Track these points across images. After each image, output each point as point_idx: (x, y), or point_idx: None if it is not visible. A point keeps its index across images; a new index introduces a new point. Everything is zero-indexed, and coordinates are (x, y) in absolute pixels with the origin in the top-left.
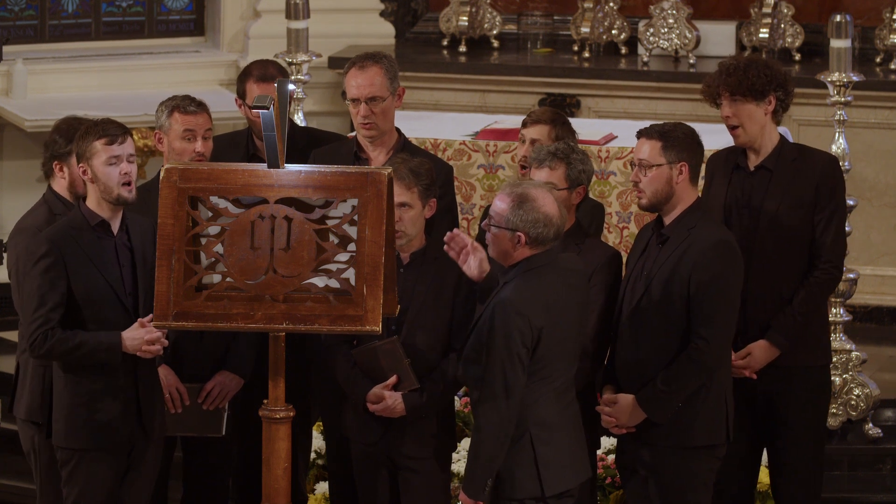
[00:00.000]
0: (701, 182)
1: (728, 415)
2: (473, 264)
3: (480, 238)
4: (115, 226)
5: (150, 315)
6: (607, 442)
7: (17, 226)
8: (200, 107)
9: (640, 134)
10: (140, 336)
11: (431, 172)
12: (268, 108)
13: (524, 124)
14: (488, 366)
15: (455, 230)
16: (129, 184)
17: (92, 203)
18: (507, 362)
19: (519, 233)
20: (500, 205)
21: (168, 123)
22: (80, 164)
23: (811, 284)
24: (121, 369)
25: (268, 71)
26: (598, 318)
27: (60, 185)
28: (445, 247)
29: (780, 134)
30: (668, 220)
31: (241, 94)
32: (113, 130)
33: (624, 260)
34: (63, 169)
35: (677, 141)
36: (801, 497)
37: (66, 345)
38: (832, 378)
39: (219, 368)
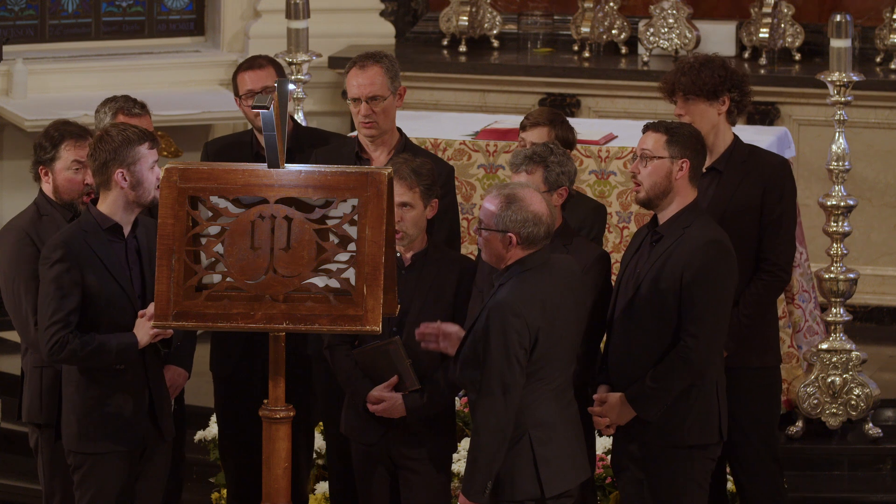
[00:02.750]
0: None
1: (721, 414)
2: (451, 343)
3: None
4: (128, 229)
5: (151, 304)
6: (607, 442)
7: (6, 225)
8: (143, 108)
9: (647, 127)
10: (146, 326)
11: (433, 173)
12: (268, 108)
13: (523, 127)
14: (486, 368)
15: (420, 328)
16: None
17: (105, 207)
18: (505, 364)
19: (510, 233)
20: (489, 207)
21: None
22: (119, 170)
23: (757, 287)
24: (130, 370)
25: (256, 60)
26: (587, 318)
27: (46, 188)
28: (423, 344)
29: (735, 135)
30: (662, 219)
31: (236, 91)
32: (150, 135)
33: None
34: (48, 174)
35: (682, 137)
36: (762, 497)
37: (87, 348)
38: (832, 378)
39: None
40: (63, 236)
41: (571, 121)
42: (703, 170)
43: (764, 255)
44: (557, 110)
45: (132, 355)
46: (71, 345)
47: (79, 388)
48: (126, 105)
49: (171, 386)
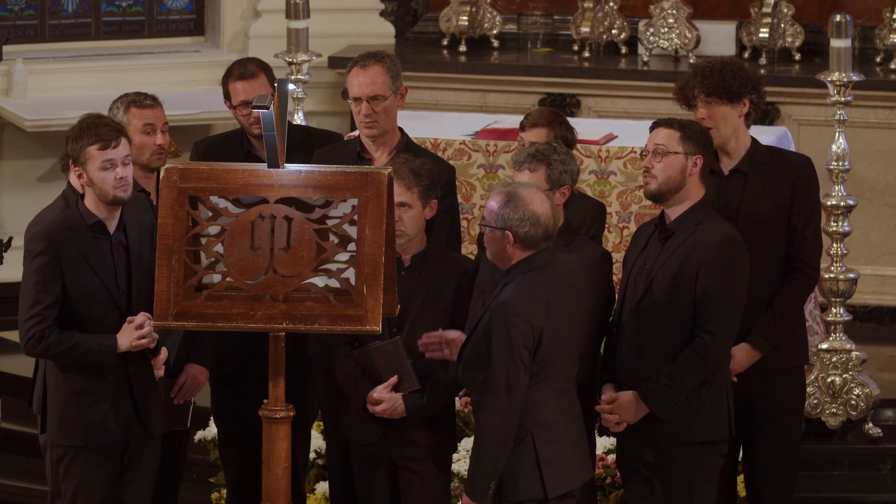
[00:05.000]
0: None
1: (730, 411)
2: (454, 349)
3: (482, 241)
4: (112, 225)
5: (140, 313)
6: (607, 442)
7: (36, 217)
8: (155, 100)
9: (658, 123)
10: (131, 333)
11: (432, 173)
12: (268, 108)
13: (522, 127)
14: (490, 368)
15: (423, 339)
16: (125, 186)
17: (89, 203)
18: (510, 364)
19: (507, 231)
20: (491, 203)
21: (126, 119)
22: (76, 168)
23: (791, 286)
24: (111, 368)
25: (247, 68)
26: (590, 318)
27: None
28: (427, 354)
29: (752, 137)
30: (672, 215)
31: (227, 96)
32: (107, 135)
33: (620, 259)
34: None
35: (695, 134)
36: (776, 497)
37: (62, 346)
38: (832, 378)
39: (182, 361)
40: (47, 229)
41: (571, 121)
42: (727, 172)
43: (796, 254)
44: (557, 110)
45: (110, 358)
46: (47, 339)
47: (58, 380)
48: (137, 98)
49: (191, 384)
